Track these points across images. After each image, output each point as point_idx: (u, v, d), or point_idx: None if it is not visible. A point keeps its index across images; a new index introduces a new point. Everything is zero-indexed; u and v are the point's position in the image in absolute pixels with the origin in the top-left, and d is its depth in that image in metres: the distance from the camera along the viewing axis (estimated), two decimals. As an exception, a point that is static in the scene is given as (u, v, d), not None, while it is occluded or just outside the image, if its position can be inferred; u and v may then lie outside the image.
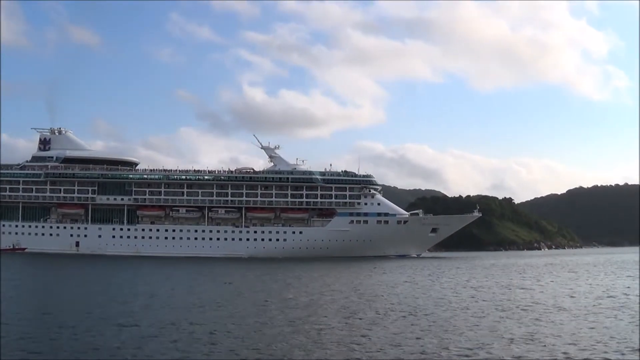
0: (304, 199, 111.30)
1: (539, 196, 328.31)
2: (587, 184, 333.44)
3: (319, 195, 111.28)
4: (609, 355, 20.66)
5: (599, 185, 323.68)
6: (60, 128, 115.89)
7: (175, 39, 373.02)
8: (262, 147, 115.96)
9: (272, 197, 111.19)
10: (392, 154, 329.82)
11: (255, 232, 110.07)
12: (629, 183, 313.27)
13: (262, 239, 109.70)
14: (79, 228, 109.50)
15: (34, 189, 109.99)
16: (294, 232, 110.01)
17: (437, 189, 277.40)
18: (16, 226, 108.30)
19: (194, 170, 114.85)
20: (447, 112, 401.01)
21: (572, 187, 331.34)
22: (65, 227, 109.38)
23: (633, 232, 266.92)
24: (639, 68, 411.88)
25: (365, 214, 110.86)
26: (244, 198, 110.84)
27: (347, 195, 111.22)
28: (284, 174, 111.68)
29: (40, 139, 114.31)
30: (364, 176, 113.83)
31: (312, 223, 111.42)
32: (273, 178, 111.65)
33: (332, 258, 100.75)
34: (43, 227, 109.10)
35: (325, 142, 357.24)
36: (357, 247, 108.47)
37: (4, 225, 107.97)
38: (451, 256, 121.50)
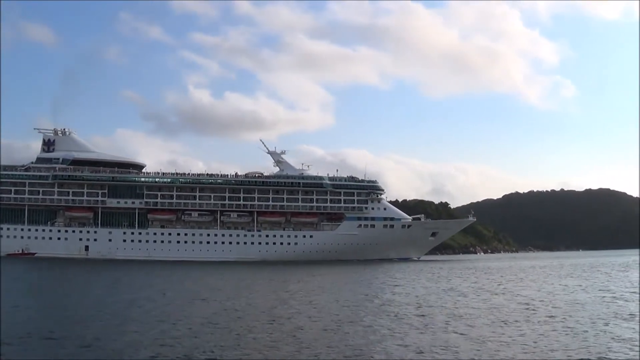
0: (314, 204, 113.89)
1: (475, 201, 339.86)
2: (524, 189, 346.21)
3: (328, 199, 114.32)
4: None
5: (534, 190, 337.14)
6: (64, 129, 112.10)
7: (124, 38, 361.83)
8: (269, 152, 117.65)
9: (283, 202, 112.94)
10: (332, 157, 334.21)
11: (267, 236, 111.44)
12: (565, 189, 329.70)
13: (274, 243, 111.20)
14: (88, 232, 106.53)
15: (40, 192, 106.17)
16: (304, 236, 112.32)
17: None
18: (22, 230, 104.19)
19: (207, 174, 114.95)
20: (393, 118, 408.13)
21: (508, 192, 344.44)
22: (74, 231, 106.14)
23: (568, 237, 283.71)
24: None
25: (372, 219, 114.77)
26: (256, 202, 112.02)
27: (355, 200, 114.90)
28: (295, 179, 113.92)
29: (43, 140, 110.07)
30: (369, 181, 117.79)
31: (321, 227, 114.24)
32: (284, 183, 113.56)
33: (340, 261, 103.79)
34: (51, 230, 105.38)
35: (273, 145, 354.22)
36: (364, 250, 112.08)
37: (8, 229, 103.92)
38: (443, 259, 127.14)
